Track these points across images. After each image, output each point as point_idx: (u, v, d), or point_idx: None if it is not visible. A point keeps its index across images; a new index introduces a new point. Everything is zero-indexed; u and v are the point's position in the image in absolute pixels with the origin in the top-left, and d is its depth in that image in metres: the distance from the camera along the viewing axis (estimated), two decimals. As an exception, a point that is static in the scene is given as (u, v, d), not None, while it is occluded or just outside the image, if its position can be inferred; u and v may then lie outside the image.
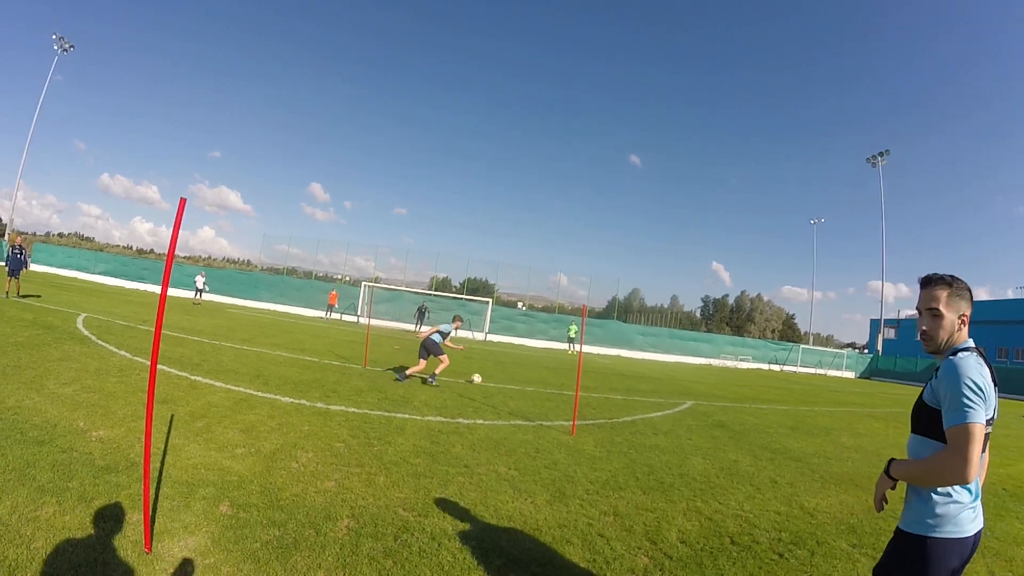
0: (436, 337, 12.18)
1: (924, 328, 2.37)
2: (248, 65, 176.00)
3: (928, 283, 2.38)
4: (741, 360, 49.26)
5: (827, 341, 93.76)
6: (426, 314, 37.09)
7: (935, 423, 2.20)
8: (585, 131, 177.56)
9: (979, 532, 2.26)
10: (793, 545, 4.79)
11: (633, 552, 4.26)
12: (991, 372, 2.20)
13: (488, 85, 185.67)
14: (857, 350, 67.70)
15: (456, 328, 12.99)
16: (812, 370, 52.80)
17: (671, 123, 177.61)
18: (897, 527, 2.34)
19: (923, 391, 2.34)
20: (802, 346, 55.52)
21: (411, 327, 37.20)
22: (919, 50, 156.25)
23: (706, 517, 5.28)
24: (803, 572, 4.24)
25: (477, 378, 13.23)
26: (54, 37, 56.50)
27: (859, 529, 5.41)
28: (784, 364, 52.11)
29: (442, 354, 12.06)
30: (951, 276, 2.36)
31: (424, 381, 11.92)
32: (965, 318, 2.33)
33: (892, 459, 2.39)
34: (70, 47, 57.34)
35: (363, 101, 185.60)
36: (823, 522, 5.52)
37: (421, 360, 12.06)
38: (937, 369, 2.27)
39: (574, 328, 38.65)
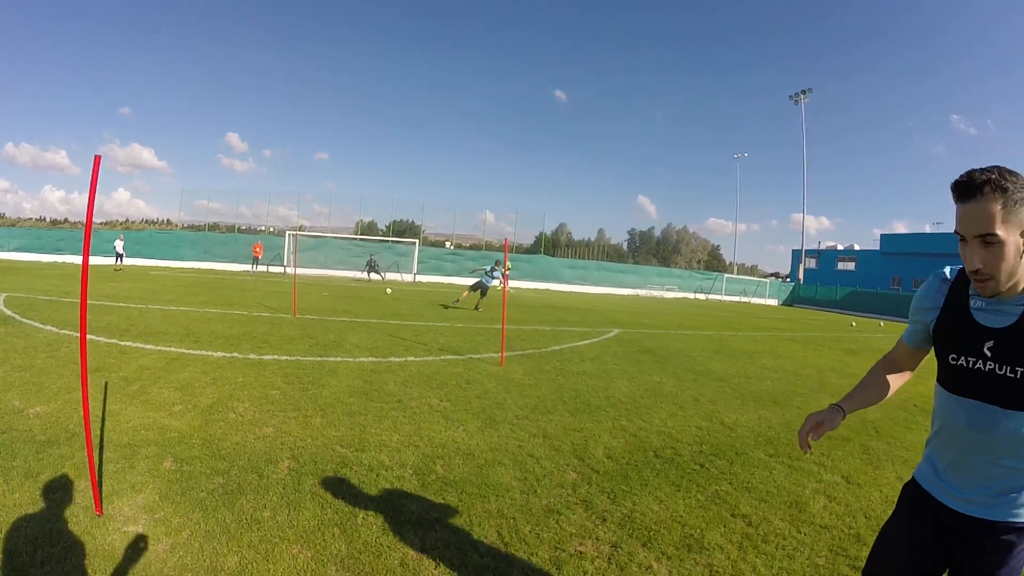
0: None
1: (977, 266, 1.56)
2: (151, 12, 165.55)
3: (968, 192, 1.53)
4: (667, 290, 50.68)
5: (751, 271, 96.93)
6: (376, 264, 37.07)
7: None
8: (510, 68, 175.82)
9: None
10: (714, 456, 5.23)
11: (562, 469, 4.61)
12: None
13: (409, 22, 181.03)
14: (780, 279, 70.22)
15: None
16: (737, 298, 54.80)
17: (596, 59, 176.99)
18: (997, 522, 1.67)
19: (1005, 354, 1.59)
20: (727, 275, 57.44)
21: (351, 274, 37.43)
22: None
23: (631, 434, 5.69)
24: (723, 480, 4.65)
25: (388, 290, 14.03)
26: None
27: (776, 441, 5.92)
28: (709, 293, 53.93)
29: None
30: (999, 171, 1.51)
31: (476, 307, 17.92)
32: None
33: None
34: None
35: (275, 44, 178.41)
36: (742, 435, 6.02)
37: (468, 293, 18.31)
38: None
39: (510, 264, 38.92)
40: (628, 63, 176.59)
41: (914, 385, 10.06)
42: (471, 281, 17.12)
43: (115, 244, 30.81)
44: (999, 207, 1.47)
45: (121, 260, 30.64)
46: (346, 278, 35.59)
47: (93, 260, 32.98)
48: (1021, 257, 1.51)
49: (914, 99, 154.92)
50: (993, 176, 1.48)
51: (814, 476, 4.90)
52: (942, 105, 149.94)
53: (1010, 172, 1.50)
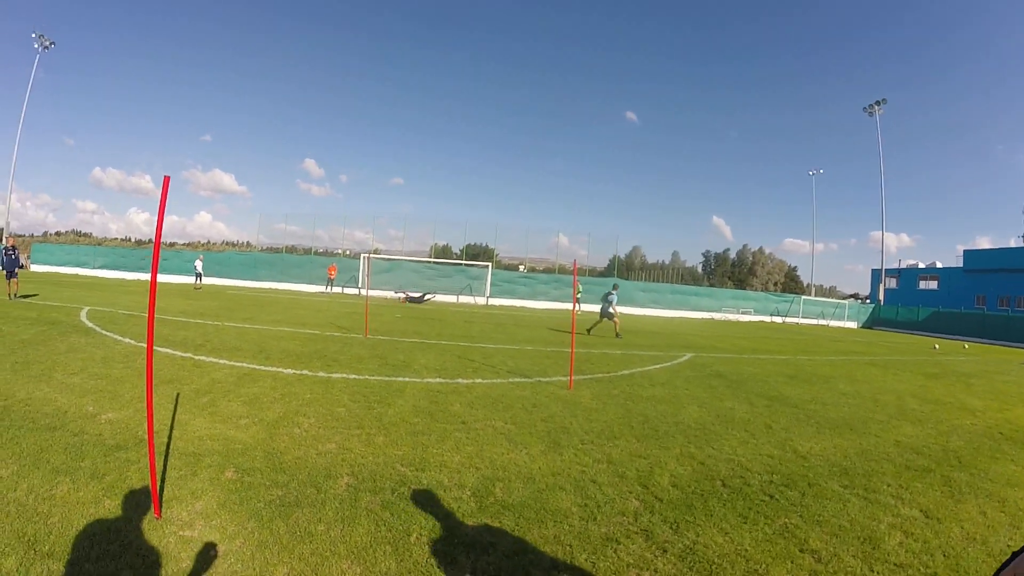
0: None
1: None
2: (231, 42, 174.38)
3: None
4: (743, 313, 49.41)
5: (829, 292, 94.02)
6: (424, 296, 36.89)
7: None
8: (581, 88, 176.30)
9: None
10: (784, 487, 4.92)
11: (624, 496, 4.42)
12: None
13: (481, 44, 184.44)
14: (859, 300, 67.80)
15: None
16: (814, 321, 52.97)
17: (667, 77, 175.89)
18: None
19: None
20: (804, 297, 55.57)
21: (411, 294, 37.48)
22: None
23: (699, 462, 5.43)
24: (793, 512, 4.37)
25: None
26: (34, 36, 55.09)
27: (851, 471, 5.54)
28: (786, 316, 52.28)
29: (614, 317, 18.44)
30: None
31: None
32: None
33: None
34: (50, 44, 56.10)
35: (352, 71, 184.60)
36: (815, 464, 5.66)
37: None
38: None
39: (580, 287, 38.80)
40: (697, 80, 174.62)
41: (1001, 411, 9.57)
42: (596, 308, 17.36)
43: (195, 264, 32.29)
44: None
45: (200, 279, 31.93)
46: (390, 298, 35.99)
47: (174, 279, 34.68)
48: None
49: (993, 106, 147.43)
50: None
51: (891, 510, 4.54)
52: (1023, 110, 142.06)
53: None
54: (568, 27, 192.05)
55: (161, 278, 37.36)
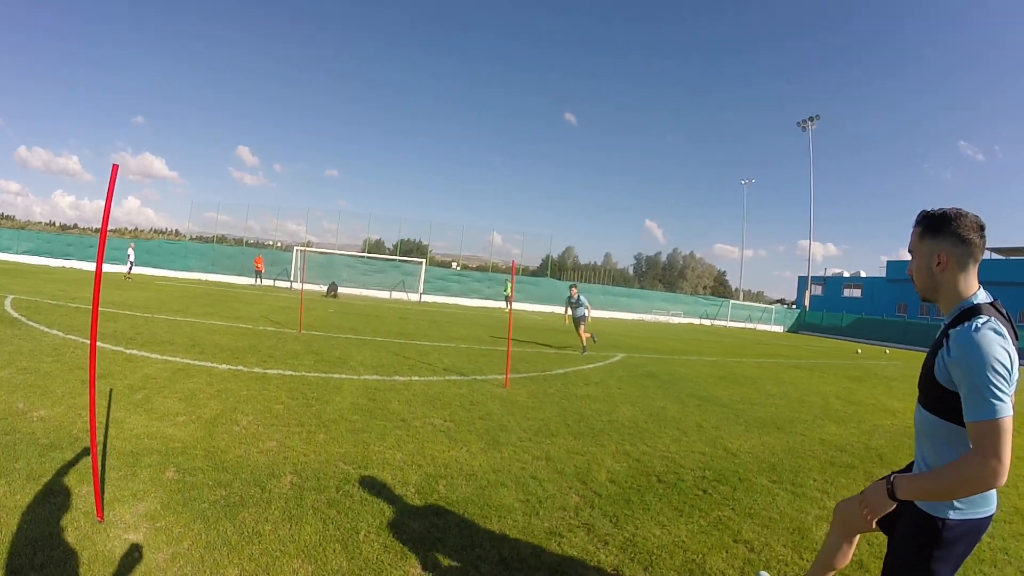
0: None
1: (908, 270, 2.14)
2: (169, 22, 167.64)
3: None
4: (673, 315, 50.64)
5: (757, 297, 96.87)
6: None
7: (955, 407, 1.88)
8: (520, 86, 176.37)
9: (992, 514, 2.02)
10: (716, 482, 5.20)
11: (564, 492, 4.58)
12: (1012, 330, 1.89)
13: (423, 38, 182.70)
14: (786, 306, 70.15)
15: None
16: (742, 324, 54.73)
17: (606, 76, 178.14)
18: (913, 504, 2.04)
19: (933, 361, 2.00)
20: (732, 301, 57.37)
21: (345, 291, 36.99)
22: (851, 9, 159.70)
23: (634, 459, 5.66)
24: (726, 505, 4.63)
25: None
26: None
27: (779, 467, 5.88)
28: (715, 319, 53.87)
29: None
30: (931, 211, 2.06)
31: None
32: (944, 259, 1.99)
33: (895, 475, 2.01)
34: None
35: (290, 58, 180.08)
36: (745, 461, 5.98)
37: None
38: (946, 337, 1.93)
39: (509, 286, 39.05)
40: (639, 79, 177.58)
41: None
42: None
43: (128, 252, 31.18)
44: (916, 232, 2.10)
45: (132, 268, 30.81)
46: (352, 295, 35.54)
47: (104, 267, 33.21)
48: (940, 276, 2.02)
49: (922, 126, 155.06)
50: (925, 212, 2.08)
51: (817, 503, 4.87)
52: (950, 132, 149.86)
53: (940, 212, 2.03)
54: (510, 22, 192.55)
55: (87, 266, 35.94)
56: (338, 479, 4.34)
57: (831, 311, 57.71)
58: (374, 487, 4.25)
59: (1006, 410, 1.71)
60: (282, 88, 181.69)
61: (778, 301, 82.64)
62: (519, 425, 6.49)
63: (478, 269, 49.60)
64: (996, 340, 1.77)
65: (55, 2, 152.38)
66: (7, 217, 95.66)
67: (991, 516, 2.01)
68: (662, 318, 49.29)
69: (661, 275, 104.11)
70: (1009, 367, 1.74)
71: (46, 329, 9.58)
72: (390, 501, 4.03)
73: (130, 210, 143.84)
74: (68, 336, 9.08)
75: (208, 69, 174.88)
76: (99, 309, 3.34)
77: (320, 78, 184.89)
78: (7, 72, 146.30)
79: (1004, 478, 1.70)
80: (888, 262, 63.33)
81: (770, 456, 6.27)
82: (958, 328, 1.87)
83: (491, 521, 3.87)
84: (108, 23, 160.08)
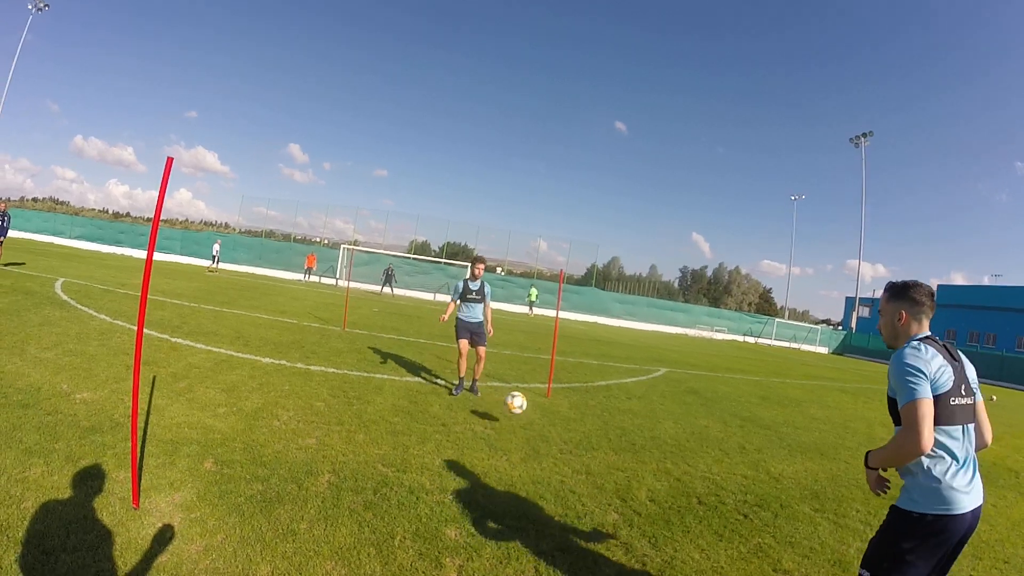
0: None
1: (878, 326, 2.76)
2: (224, 20, 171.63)
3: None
4: (717, 331, 49.80)
5: (803, 316, 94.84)
6: (393, 277, 36.89)
7: (897, 411, 2.40)
8: (572, 93, 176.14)
9: (975, 510, 2.34)
10: (758, 507, 5.00)
11: (604, 508, 4.44)
12: (947, 352, 2.45)
13: (473, 43, 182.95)
14: (831, 327, 68.65)
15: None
16: (786, 344, 53.53)
17: (658, 85, 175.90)
18: (894, 504, 2.47)
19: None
20: (777, 320, 56.18)
21: (374, 287, 37.60)
22: (908, 26, 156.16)
23: (675, 478, 5.48)
24: (766, 532, 4.43)
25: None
26: None
27: (822, 495, 5.64)
28: (759, 337, 52.81)
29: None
30: (895, 282, 2.72)
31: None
32: (904, 316, 2.62)
33: (868, 451, 2.64)
34: (45, 6, 54.84)
35: (343, 58, 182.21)
36: (788, 487, 5.75)
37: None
38: None
39: (535, 292, 39.05)
40: (691, 89, 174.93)
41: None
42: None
43: (214, 247, 33.52)
44: (884, 297, 2.74)
45: (217, 262, 32.21)
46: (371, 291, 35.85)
47: (154, 256, 34.11)
48: (898, 328, 2.64)
49: (977, 146, 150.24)
50: (890, 283, 2.73)
51: (859, 535, 4.64)
52: (1006, 152, 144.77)
53: (899, 283, 2.70)
54: (563, 29, 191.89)
55: (138, 253, 36.91)
56: (376, 481, 4.27)
57: (878, 334, 56.11)
58: (412, 492, 4.17)
59: (920, 393, 2.27)
60: (333, 88, 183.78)
61: (823, 321, 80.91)
62: (560, 437, 6.36)
63: (523, 275, 49.54)
64: (910, 352, 2.40)
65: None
66: (62, 203, 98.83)
67: (961, 516, 2.29)
68: (706, 333, 48.54)
69: (706, 289, 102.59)
70: (919, 367, 2.32)
71: (94, 313, 9.79)
72: (427, 507, 3.93)
73: (181, 201, 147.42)
74: (115, 321, 9.25)
75: (261, 67, 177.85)
76: (147, 296, 3.32)
77: (370, 79, 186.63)
78: (65, 63, 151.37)
79: (923, 446, 2.22)
80: (938, 286, 61.47)
81: (813, 483, 6.03)
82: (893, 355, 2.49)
83: (528, 535, 3.75)
84: (163, 19, 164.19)
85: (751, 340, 51.66)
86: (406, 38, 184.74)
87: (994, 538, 5.11)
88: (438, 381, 8.55)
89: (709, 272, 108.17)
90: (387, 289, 36.46)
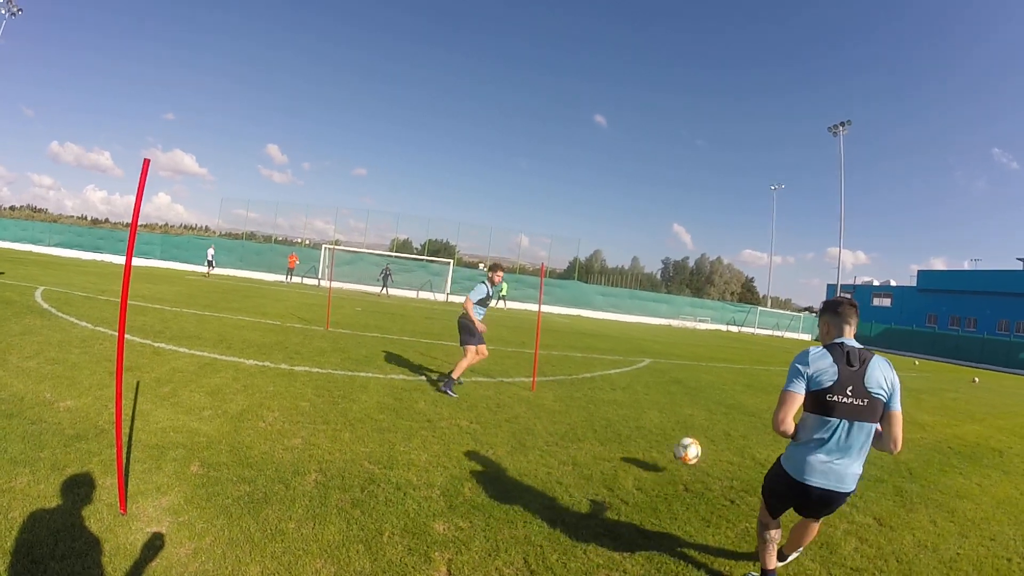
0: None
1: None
2: (199, 19, 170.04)
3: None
4: (700, 321, 50.14)
5: (785, 304, 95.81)
6: (390, 277, 36.99)
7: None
8: (552, 88, 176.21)
9: (823, 490, 3.00)
10: (744, 492, 5.09)
11: (591, 498, 4.50)
12: (846, 358, 2.96)
13: (453, 40, 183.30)
14: (814, 314, 69.16)
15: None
16: (769, 332, 54.04)
17: (638, 80, 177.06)
18: None
19: None
20: (760, 308, 56.60)
21: (373, 289, 37.41)
22: (885, 16, 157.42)
23: (661, 467, 5.55)
24: (753, 517, 4.50)
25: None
26: (1, 0, 53.04)
27: (807, 478, 5.71)
28: (742, 326, 53.22)
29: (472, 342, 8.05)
30: (825, 300, 3.41)
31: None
32: (828, 326, 3.23)
33: None
34: (18, 11, 53.68)
35: (320, 57, 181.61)
36: (773, 472, 5.82)
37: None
38: None
39: (505, 286, 39.02)
40: (669, 84, 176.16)
41: (950, 427, 9.92)
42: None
43: (208, 252, 33.49)
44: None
45: (211, 267, 32.70)
46: (365, 291, 35.77)
47: (133, 261, 33.80)
48: (825, 335, 3.27)
49: (955, 133, 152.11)
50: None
51: (846, 517, 4.74)
52: (983, 138, 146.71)
53: (827, 301, 3.32)
54: (542, 25, 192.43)
55: (117, 259, 36.51)
56: (363, 479, 4.29)
57: (860, 320, 56.66)
58: (399, 488, 4.19)
59: (790, 387, 3.00)
60: (312, 86, 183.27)
61: (806, 309, 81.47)
62: (545, 429, 6.41)
63: (506, 271, 49.36)
64: (801, 354, 3.06)
65: None
66: (40, 210, 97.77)
67: (805, 486, 3.04)
68: (689, 324, 48.83)
69: (688, 280, 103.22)
70: (799, 366, 3.01)
71: (75, 321, 9.70)
72: (415, 503, 3.96)
73: (160, 205, 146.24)
74: (97, 328, 9.17)
75: (238, 66, 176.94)
76: (128, 302, 3.30)
77: (349, 77, 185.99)
78: (39, 67, 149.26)
79: (775, 424, 3.06)
80: (919, 271, 62.27)
81: (799, 468, 6.11)
82: None
83: (516, 526, 3.79)
84: (138, 18, 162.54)
85: (734, 329, 52.05)
86: (381, 33, 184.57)
87: (980, 516, 5.25)
88: (422, 378, 8.56)
89: (691, 263, 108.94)
90: (385, 289, 36.52)
